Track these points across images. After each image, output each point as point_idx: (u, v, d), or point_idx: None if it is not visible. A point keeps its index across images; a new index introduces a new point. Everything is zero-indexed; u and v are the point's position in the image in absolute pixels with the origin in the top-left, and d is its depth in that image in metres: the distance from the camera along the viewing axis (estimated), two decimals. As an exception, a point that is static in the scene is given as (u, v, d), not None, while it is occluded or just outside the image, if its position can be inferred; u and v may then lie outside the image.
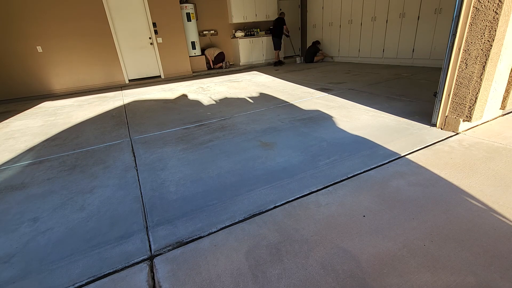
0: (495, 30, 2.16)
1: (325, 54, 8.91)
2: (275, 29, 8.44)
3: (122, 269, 1.36)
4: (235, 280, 1.24)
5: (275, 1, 9.27)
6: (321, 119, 3.28)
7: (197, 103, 4.67)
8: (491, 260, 1.22)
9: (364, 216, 1.58)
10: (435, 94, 2.70)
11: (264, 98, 4.58)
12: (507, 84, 2.63)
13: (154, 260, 1.40)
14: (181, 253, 1.42)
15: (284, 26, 8.37)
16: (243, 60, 9.04)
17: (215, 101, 4.68)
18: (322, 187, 1.89)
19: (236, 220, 1.63)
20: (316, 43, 8.86)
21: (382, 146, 2.43)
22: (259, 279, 1.23)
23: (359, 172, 2.04)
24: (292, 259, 1.32)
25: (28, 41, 6.26)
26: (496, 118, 2.79)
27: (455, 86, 2.49)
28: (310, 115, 3.45)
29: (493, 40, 2.18)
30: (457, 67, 2.43)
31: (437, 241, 1.36)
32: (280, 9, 9.52)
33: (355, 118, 3.21)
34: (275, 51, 8.87)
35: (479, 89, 2.34)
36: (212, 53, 8.42)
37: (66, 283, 1.31)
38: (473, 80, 2.35)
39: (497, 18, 2.13)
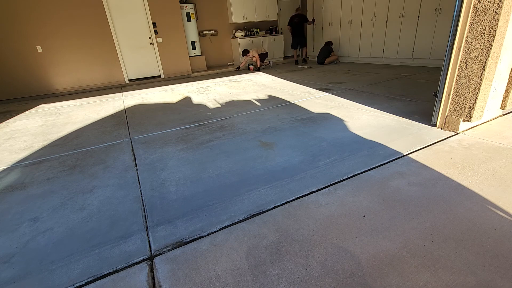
0: (495, 30, 2.16)
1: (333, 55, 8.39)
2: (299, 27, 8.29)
3: (122, 269, 1.36)
4: (235, 280, 1.24)
5: (275, 1, 9.27)
6: (321, 119, 3.28)
7: (197, 103, 4.67)
8: (491, 260, 1.22)
9: (364, 216, 1.58)
10: (435, 94, 2.70)
11: (264, 98, 4.58)
12: (507, 84, 2.63)
13: (154, 260, 1.40)
14: (181, 253, 1.42)
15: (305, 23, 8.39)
16: (243, 60, 9.04)
17: (215, 101, 4.68)
18: (322, 187, 1.89)
19: (236, 220, 1.63)
20: (329, 44, 8.35)
21: (382, 146, 2.43)
22: (259, 279, 1.23)
23: (359, 172, 2.04)
24: (292, 259, 1.32)
25: (28, 41, 6.26)
26: (496, 118, 2.79)
27: (455, 86, 2.49)
28: (310, 115, 3.45)
29: (493, 40, 2.18)
30: (457, 67, 2.43)
31: (437, 241, 1.35)
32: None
33: (355, 118, 3.21)
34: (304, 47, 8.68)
35: (479, 89, 2.34)
36: (256, 51, 8.06)
37: (66, 283, 1.31)
38: (473, 80, 2.35)
39: (497, 18, 2.13)
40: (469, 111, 2.44)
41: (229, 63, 9.48)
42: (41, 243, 1.58)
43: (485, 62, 2.25)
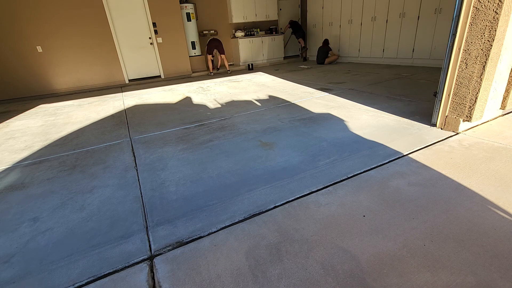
0: (495, 30, 2.15)
1: (334, 54, 8.20)
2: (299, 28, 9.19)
3: (122, 269, 1.36)
4: (235, 280, 1.24)
5: (275, 1, 9.27)
6: (321, 119, 3.28)
7: (197, 103, 4.67)
8: (491, 260, 1.22)
9: (364, 216, 1.58)
10: (435, 94, 2.70)
11: (264, 98, 4.58)
12: (507, 84, 2.63)
13: (154, 260, 1.40)
14: (181, 253, 1.42)
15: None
16: (243, 60, 9.04)
17: (215, 101, 4.68)
18: (322, 187, 1.89)
19: (236, 220, 1.63)
20: (327, 42, 8.19)
21: (382, 146, 2.43)
22: (259, 279, 1.23)
23: (359, 172, 2.04)
24: (292, 259, 1.32)
25: (28, 41, 6.26)
26: (496, 118, 2.79)
27: (455, 86, 2.49)
28: (310, 115, 3.45)
29: (493, 40, 2.18)
30: (457, 67, 2.43)
31: (437, 241, 1.35)
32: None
33: (355, 118, 3.21)
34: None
35: (479, 89, 2.34)
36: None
37: (66, 283, 1.31)
38: (473, 80, 2.35)
39: (497, 18, 2.13)
40: (469, 111, 2.44)
41: (229, 63, 9.47)
42: (41, 243, 1.58)
43: (485, 62, 2.25)
